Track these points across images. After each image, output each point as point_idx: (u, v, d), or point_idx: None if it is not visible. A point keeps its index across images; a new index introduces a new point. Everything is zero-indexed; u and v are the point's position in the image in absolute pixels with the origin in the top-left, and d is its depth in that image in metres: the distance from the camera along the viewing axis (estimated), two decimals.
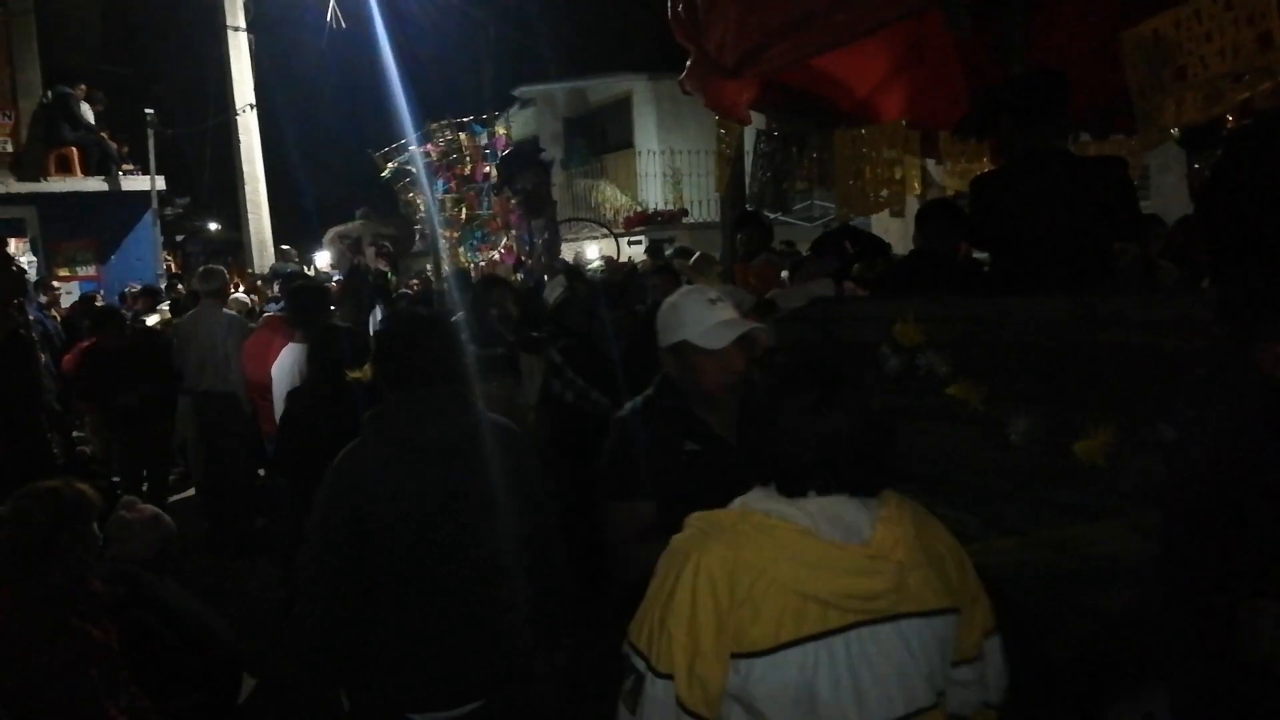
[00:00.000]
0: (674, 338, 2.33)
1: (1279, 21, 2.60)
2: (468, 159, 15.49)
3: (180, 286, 11.57)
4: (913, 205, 5.04)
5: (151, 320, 8.46)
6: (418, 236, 16.46)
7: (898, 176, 4.69)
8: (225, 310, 6.69)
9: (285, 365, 4.70)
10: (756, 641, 1.43)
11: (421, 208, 16.05)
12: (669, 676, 1.46)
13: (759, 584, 1.44)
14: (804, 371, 1.59)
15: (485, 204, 15.25)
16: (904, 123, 4.89)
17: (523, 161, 9.73)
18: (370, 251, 8.94)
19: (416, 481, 2.27)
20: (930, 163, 5.76)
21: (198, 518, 6.58)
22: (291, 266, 12.55)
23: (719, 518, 1.55)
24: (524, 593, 2.42)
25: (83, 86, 13.60)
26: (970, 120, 3.87)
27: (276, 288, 10.11)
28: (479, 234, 15.70)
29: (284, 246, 14.31)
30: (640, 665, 1.51)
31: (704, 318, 2.29)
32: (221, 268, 7.21)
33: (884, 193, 4.80)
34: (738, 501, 1.58)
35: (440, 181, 15.72)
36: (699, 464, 2.28)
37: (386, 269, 8.34)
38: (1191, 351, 2.64)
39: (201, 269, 7.12)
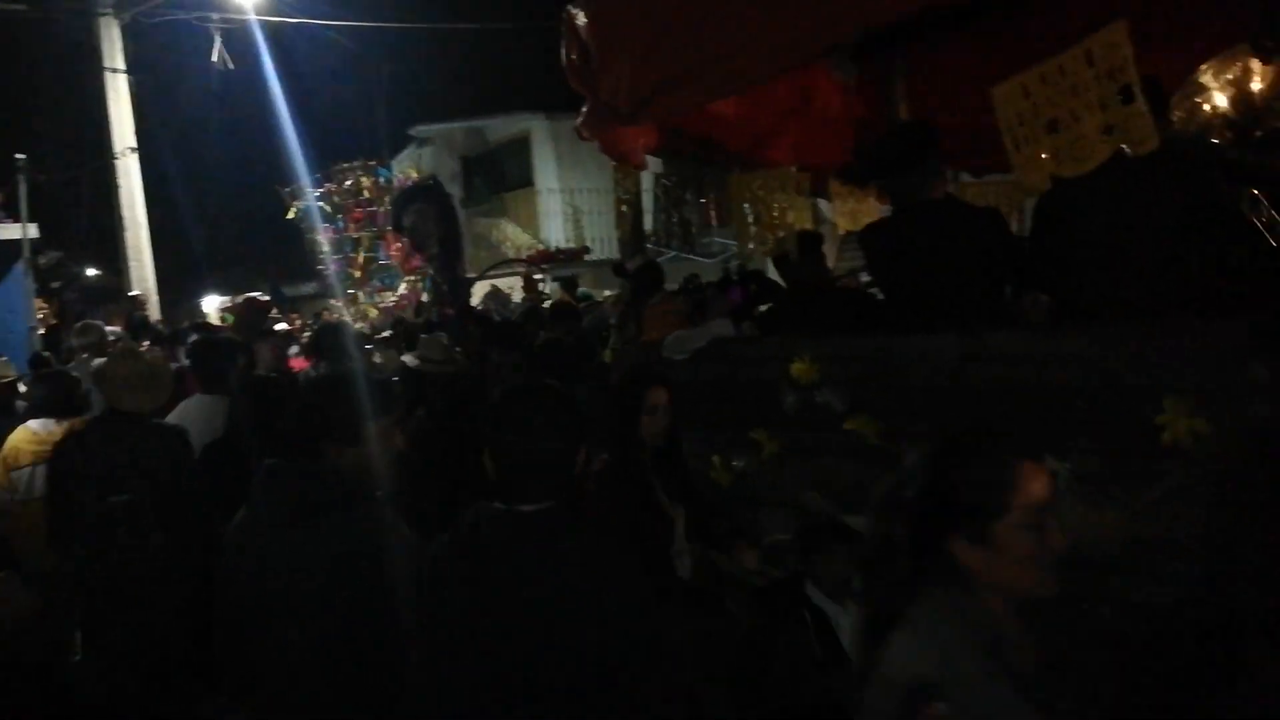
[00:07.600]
0: None
1: (1138, 76, 2.66)
2: (370, 199, 15.32)
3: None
4: None
5: None
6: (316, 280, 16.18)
7: (789, 221, 4.80)
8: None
9: (190, 418, 4.46)
10: None
11: (325, 248, 15.75)
12: None
13: None
14: None
15: (379, 249, 15.04)
16: (794, 168, 5.03)
17: (408, 197, 8.92)
18: None
19: (261, 551, 2.13)
20: (822, 202, 5.94)
21: None
22: (139, 316, 11.52)
23: None
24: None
25: None
26: (850, 171, 3.99)
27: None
28: (383, 278, 15.50)
29: (132, 293, 13.09)
30: None
31: None
32: (99, 322, 6.84)
33: (780, 235, 4.91)
34: None
35: (339, 221, 15.48)
36: None
37: None
38: (1077, 386, 2.78)
39: (79, 324, 6.77)
